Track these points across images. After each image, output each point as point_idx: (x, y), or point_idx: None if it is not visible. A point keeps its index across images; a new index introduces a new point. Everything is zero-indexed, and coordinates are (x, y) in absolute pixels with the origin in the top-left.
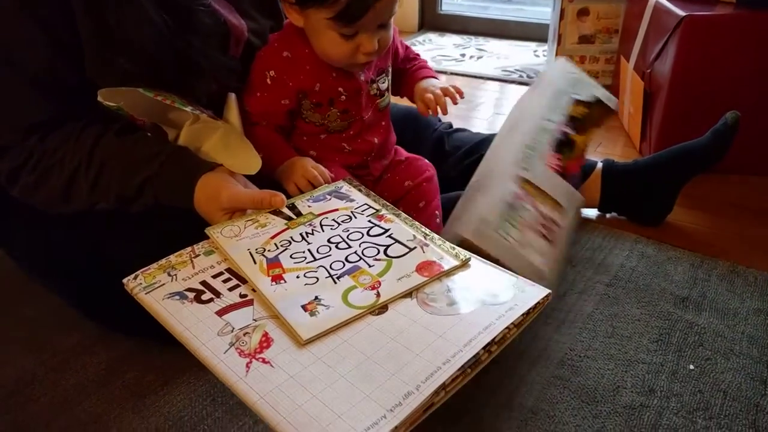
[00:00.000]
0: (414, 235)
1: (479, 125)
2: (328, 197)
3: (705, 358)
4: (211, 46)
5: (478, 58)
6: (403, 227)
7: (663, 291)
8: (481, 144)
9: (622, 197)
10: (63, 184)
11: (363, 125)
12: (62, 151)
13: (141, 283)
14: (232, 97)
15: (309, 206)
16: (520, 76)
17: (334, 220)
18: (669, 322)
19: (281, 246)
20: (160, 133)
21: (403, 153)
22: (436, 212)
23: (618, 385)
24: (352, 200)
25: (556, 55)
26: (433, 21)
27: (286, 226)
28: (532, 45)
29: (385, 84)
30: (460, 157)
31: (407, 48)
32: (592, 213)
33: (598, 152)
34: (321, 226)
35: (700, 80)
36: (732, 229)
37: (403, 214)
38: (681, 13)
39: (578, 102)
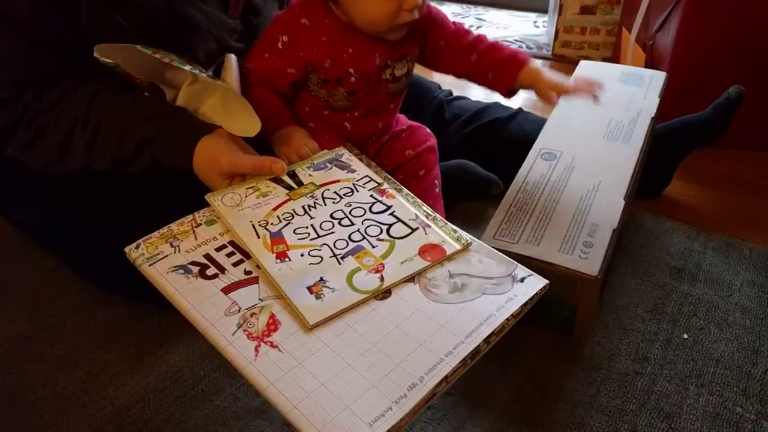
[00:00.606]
0: (416, 215)
1: (477, 94)
2: (329, 165)
3: (698, 327)
4: (210, 3)
5: (478, 27)
6: (405, 205)
7: (659, 262)
8: (480, 113)
9: None
10: (59, 142)
11: (369, 108)
12: (58, 108)
13: (143, 254)
14: (232, 57)
15: (310, 175)
16: (520, 47)
17: (335, 192)
18: (664, 292)
19: (284, 219)
20: (158, 92)
21: (405, 121)
22: (436, 181)
23: (613, 352)
24: (353, 171)
25: (557, 26)
26: None
27: (287, 197)
28: (532, 15)
29: (402, 70)
30: (460, 126)
31: (470, 32)
32: None
33: None
34: (323, 198)
35: (703, 53)
36: (728, 202)
37: (405, 190)
38: None
39: None
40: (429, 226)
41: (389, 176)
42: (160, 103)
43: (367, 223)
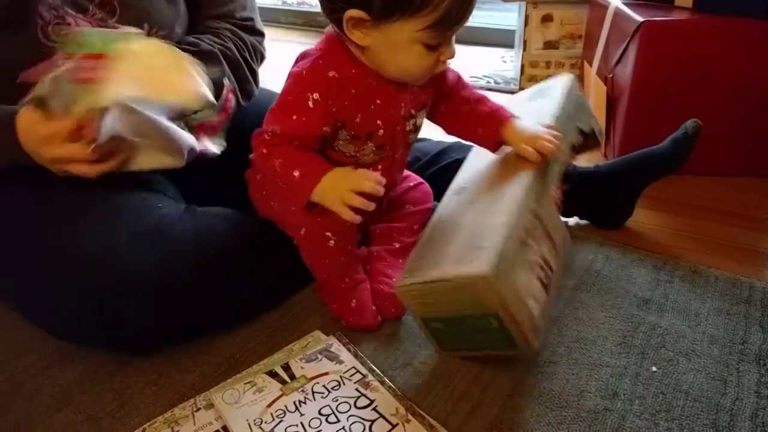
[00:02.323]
0: (397, 409)
1: (438, 135)
2: (320, 356)
3: (667, 359)
4: None
5: None
6: (387, 398)
7: (627, 293)
8: (440, 154)
9: (583, 202)
10: None
11: (393, 162)
12: None
13: None
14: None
15: (302, 368)
16: (488, 82)
17: (324, 386)
18: (632, 325)
19: (277, 417)
20: None
21: (414, 178)
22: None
23: (582, 389)
24: (341, 362)
25: (522, 60)
26: None
27: (281, 392)
28: (500, 51)
29: (421, 119)
30: (421, 168)
31: (467, 86)
32: None
33: None
34: (312, 393)
35: (660, 84)
36: (693, 229)
37: (387, 381)
38: (639, 18)
39: (579, 131)
40: (409, 422)
41: (374, 368)
42: None
43: (351, 419)
